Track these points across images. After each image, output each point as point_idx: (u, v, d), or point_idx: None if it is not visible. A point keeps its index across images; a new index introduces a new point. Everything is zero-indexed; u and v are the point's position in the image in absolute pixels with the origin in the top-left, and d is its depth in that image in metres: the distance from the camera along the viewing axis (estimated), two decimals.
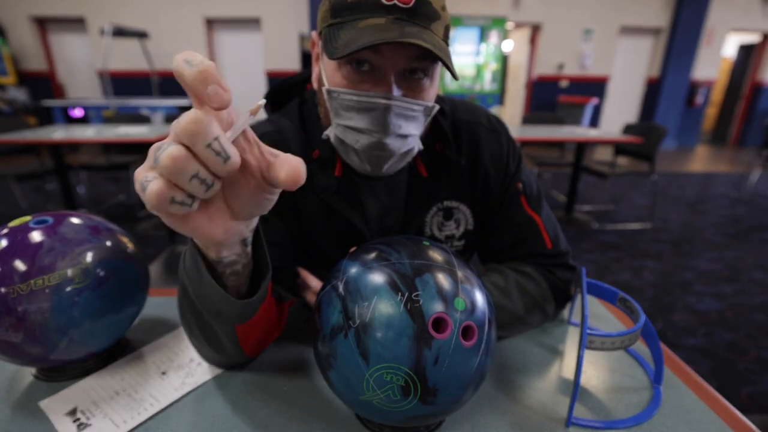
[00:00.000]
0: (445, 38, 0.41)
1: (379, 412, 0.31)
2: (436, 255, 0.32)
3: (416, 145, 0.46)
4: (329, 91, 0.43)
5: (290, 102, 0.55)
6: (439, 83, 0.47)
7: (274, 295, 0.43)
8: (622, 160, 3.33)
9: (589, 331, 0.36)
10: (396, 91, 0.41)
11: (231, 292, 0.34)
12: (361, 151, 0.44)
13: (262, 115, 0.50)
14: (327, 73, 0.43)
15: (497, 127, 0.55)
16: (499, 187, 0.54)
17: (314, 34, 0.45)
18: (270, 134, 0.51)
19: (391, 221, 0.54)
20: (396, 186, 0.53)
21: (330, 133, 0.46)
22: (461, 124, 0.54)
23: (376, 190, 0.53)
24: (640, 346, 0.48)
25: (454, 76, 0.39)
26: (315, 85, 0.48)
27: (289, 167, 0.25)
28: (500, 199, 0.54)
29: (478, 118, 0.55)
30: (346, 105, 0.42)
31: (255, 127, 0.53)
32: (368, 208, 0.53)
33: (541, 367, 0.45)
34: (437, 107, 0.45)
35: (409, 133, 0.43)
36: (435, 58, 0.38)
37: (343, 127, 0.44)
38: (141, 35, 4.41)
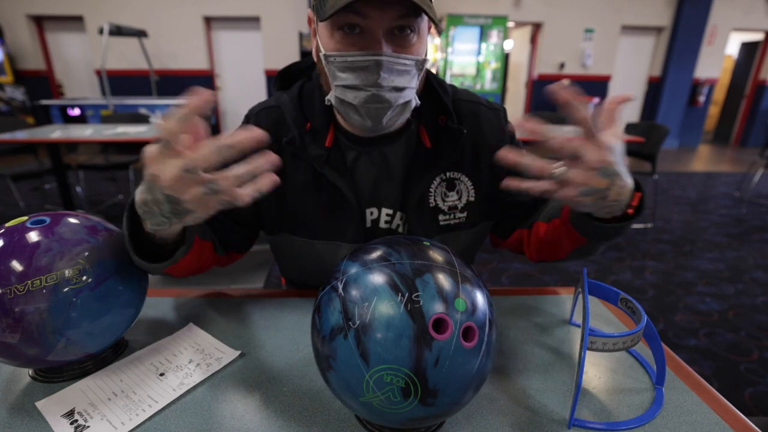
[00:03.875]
0: None
1: (379, 414, 0.30)
2: (437, 255, 0.32)
3: (412, 98, 0.49)
4: (326, 56, 0.46)
5: (297, 82, 0.59)
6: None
7: (207, 239, 0.52)
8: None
9: (590, 332, 0.36)
10: (386, 49, 0.44)
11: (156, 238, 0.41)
12: (360, 106, 0.47)
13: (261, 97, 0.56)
14: (323, 42, 0.47)
15: (495, 106, 0.60)
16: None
17: (309, 11, 0.49)
18: (268, 109, 0.57)
19: (387, 190, 0.56)
20: (392, 155, 0.56)
21: (331, 96, 0.49)
22: (462, 103, 0.58)
23: (370, 158, 0.56)
24: (642, 347, 0.48)
25: (435, 23, 0.43)
26: (315, 59, 0.51)
27: None
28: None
29: (478, 99, 0.59)
30: (342, 66, 0.45)
31: (258, 104, 0.59)
32: (359, 177, 0.56)
33: (543, 369, 0.44)
34: (428, 60, 0.49)
35: (402, 86, 0.46)
36: (418, 13, 0.42)
37: (342, 87, 0.47)
38: (139, 34, 4.40)
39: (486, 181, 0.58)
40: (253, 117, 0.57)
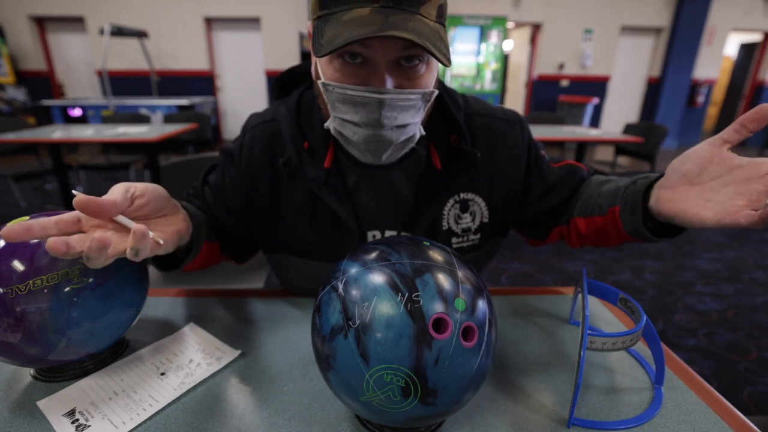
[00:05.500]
0: (440, 18, 0.40)
1: (379, 413, 0.30)
2: (437, 255, 0.32)
3: (416, 132, 0.46)
4: (324, 85, 0.43)
5: (297, 89, 0.56)
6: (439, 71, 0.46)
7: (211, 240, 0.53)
8: (623, 160, 3.33)
9: (589, 332, 0.36)
10: (390, 83, 0.40)
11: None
12: (360, 143, 0.44)
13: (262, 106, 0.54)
14: (321, 67, 0.43)
15: (511, 116, 0.57)
16: (525, 168, 0.56)
17: (309, 23, 0.44)
18: (264, 124, 0.54)
19: (391, 213, 0.53)
20: (397, 178, 0.52)
21: (330, 124, 0.46)
22: (475, 118, 0.54)
23: (373, 181, 0.52)
24: (641, 347, 0.48)
25: (443, 63, 0.37)
26: (313, 75, 0.48)
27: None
28: (535, 175, 0.57)
29: (492, 111, 0.56)
30: (341, 99, 0.42)
31: (256, 115, 0.56)
32: (361, 200, 0.52)
33: (542, 368, 0.44)
34: (436, 92, 0.44)
35: (406, 123, 0.43)
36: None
37: (341, 120, 0.44)
38: (140, 35, 4.41)
39: (500, 199, 0.55)
40: (248, 132, 0.54)
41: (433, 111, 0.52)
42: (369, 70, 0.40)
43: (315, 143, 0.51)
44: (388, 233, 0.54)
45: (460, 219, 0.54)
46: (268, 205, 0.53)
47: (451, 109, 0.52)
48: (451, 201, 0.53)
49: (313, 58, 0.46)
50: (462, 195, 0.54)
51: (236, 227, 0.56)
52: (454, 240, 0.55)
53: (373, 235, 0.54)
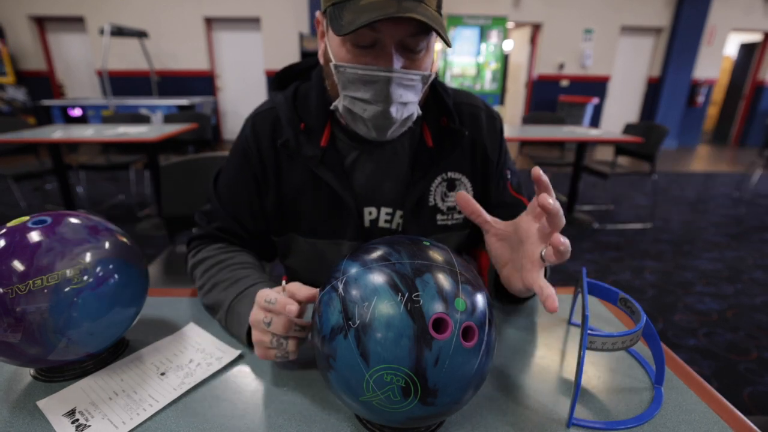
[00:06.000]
0: (438, 9, 0.46)
1: (379, 413, 0.30)
2: (437, 255, 0.32)
3: (415, 110, 0.50)
4: (336, 66, 0.46)
5: (293, 84, 0.60)
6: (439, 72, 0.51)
7: None
8: (623, 160, 3.33)
9: (589, 332, 0.36)
10: (397, 63, 0.45)
11: None
12: (369, 120, 0.48)
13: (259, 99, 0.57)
14: (333, 49, 0.47)
15: (494, 114, 0.61)
16: (495, 167, 0.60)
17: (318, 14, 0.49)
18: (264, 113, 0.57)
19: (387, 189, 0.57)
20: (393, 155, 0.56)
21: (339, 104, 0.50)
22: (462, 106, 0.59)
23: (371, 157, 0.56)
24: (641, 347, 0.48)
25: (447, 43, 0.42)
26: (321, 60, 0.52)
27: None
28: (495, 180, 0.60)
29: (478, 103, 0.60)
30: (352, 78, 0.46)
31: (258, 106, 0.59)
32: (358, 177, 0.56)
33: (542, 368, 0.44)
34: (433, 75, 0.50)
35: (409, 100, 0.48)
36: (429, 30, 0.43)
37: (351, 98, 0.48)
38: (140, 35, 4.40)
39: (481, 181, 0.60)
40: (250, 122, 0.58)
41: (426, 96, 0.56)
42: (378, 51, 0.45)
43: (311, 124, 0.54)
44: (383, 210, 0.57)
45: (446, 197, 0.58)
46: (273, 187, 0.57)
47: (441, 94, 0.56)
48: (439, 178, 0.57)
49: (321, 45, 0.50)
50: (450, 174, 0.57)
51: (262, 226, 0.59)
52: (439, 217, 0.58)
53: (369, 211, 0.57)
